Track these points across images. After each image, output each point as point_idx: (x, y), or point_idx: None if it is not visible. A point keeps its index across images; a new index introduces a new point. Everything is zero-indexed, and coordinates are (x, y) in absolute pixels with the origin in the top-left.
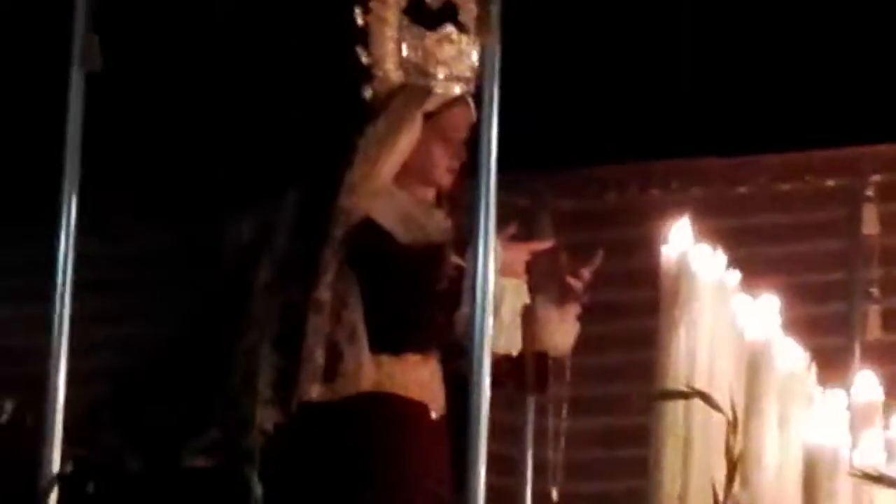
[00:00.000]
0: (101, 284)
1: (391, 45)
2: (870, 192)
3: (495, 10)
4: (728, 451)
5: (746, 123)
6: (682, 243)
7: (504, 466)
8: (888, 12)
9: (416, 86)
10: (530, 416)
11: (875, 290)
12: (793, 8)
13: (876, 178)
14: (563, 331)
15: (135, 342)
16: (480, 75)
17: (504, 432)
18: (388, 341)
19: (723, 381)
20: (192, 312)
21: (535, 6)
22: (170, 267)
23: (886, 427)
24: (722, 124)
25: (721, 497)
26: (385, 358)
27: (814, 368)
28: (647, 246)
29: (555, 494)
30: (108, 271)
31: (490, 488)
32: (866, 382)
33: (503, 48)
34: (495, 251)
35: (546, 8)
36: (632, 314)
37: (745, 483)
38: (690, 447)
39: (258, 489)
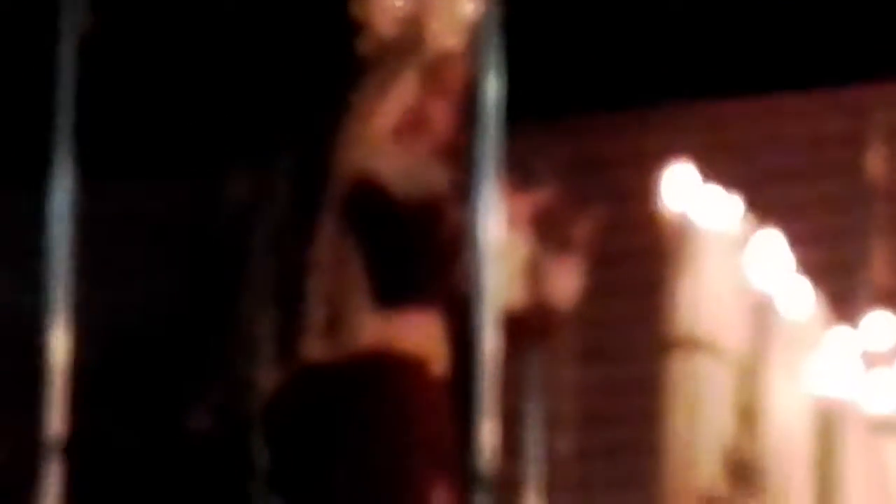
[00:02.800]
0: (96, 245)
1: None
2: (875, 133)
3: None
4: (737, 403)
5: (746, 65)
6: (686, 192)
7: (511, 418)
8: None
9: (410, 38)
10: (536, 368)
11: (884, 231)
12: None
13: (881, 117)
14: (567, 282)
15: (134, 304)
16: (477, 26)
17: (510, 384)
18: (390, 297)
19: (731, 331)
20: (190, 274)
21: None
22: (167, 227)
23: None
24: (721, 67)
25: (731, 448)
26: (386, 314)
27: (825, 314)
28: (647, 193)
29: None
30: (101, 232)
31: (500, 441)
32: (878, 326)
33: None
34: (497, 203)
35: None
36: (636, 262)
37: (755, 434)
38: (699, 399)
39: (263, 453)
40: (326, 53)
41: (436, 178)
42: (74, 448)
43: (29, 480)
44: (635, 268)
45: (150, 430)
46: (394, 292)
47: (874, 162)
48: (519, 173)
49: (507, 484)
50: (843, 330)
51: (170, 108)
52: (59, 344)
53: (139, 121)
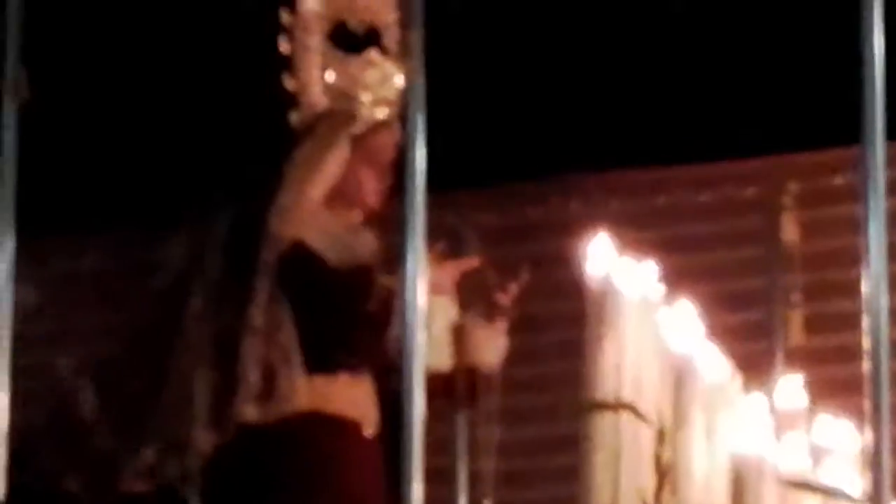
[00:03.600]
0: (38, 307)
1: (316, 71)
2: (787, 201)
3: (418, 34)
4: (657, 461)
5: (664, 135)
6: (606, 258)
7: (438, 478)
8: (802, 22)
9: (341, 110)
10: (462, 429)
11: (796, 296)
12: (706, 21)
13: (794, 186)
14: (491, 346)
15: (73, 364)
16: (405, 98)
17: (437, 445)
18: (321, 362)
19: (650, 393)
20: (127, 336)
21: (456, 28)
22: (106, 289)
23: (810, 432)
24: (639, 136)
25: None
26: (319, 378)
27: (738, 376)
28: (569, 258)
29: None
30: (43, 293)
31: (426, 501)
32: (790, 388)
33: (425, 68)
34: (424, 270)
35: (465, 27)
36: (558, 326)
37: (674, 493)
38: (619, 459)
39: None
40: (261, 124)
41: (366, 245)
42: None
43: None
44: (558, 332)
45: (93, 488)
46: (326, 357)
47: (787, 229)
48: (446, 241)
49: None
50: (757, 392)
51: (104, 171)
52: (1, 407)
53: (73, 182)
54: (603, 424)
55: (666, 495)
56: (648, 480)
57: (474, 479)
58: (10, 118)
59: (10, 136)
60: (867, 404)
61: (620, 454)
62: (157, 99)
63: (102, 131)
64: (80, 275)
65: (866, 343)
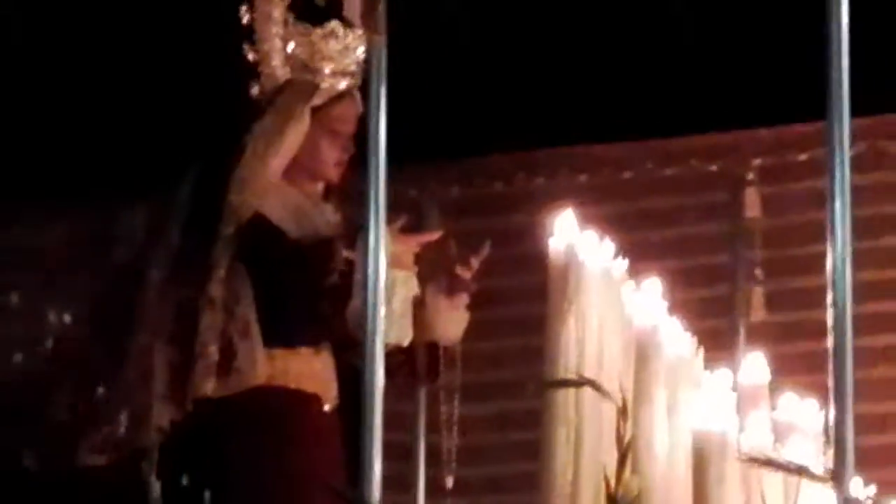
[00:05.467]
0: None
1: (277, 42)
2: (751, 176)
3: (380, 5)
4: (618, 437)
5: (630, 110)
6: (569, 233)
7: (397, 454)
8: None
9: (302, 81)
10: (422, 405)
11: (758, 272)
12: None
13: (757, 161)
14: (453, 320)
15: (31, 338)
16: (366, 69)
17: (397, 420)
18: (280, 335)
19: (612, 369)
20: (86, 309)
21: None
22: (65, 263)
23: (773, 409)
24: (605, 111)
25: (612, 483)
26: (278, 352)
27: (701, 352)
28: (533, 233)
29: (449, 482)
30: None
31: (384, 476)
32: (752, 364)
33: (388, 40)
34: (385, 243)
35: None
36: (520, 300)
37: (635, 469)
38: (581, 434)
39: (156, 487)
40: (221, 95)
41: (326, 218)
42: None
43: None
44: (520, 306)
45: (50, 462)
46: (285, 331)
47: (750, 204)
48: (407, 214)
49: None
50: (720, 368)
51: (66, 143)
52: None
53: (32, 153)
54: (564, 400)
55: (627, 471)
56: (610, 456)
57: (434, 455)
58: None
59: None
60: (830, 381)
61: (582, 430)
62: (118, 70)
63: (60, 101)
64: (41, 245)
65: (830, 319)
